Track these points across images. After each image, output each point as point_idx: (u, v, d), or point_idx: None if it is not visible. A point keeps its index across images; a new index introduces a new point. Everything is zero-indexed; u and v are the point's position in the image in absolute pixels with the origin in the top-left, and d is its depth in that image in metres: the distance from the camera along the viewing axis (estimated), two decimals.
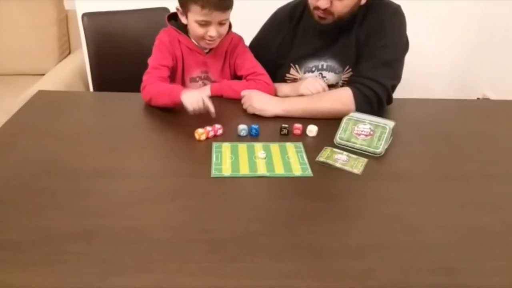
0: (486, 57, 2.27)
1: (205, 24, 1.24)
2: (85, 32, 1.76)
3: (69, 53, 2.50)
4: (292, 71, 1.41)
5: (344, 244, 0.80)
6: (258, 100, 1.26)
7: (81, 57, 2.26)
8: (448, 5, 2.24)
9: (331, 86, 1.38)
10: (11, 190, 0.92)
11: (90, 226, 0.81)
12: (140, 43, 1.79)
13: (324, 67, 1.38)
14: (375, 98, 1.23)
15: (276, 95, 1.35)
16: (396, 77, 1.28)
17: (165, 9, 1.82)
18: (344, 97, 1.23)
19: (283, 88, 1.38)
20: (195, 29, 1.27)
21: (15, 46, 2.32)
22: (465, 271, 0.74)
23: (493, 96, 2.16)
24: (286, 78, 1.43)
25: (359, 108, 1.21)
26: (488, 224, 0.86)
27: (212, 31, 1.25)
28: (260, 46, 1.44)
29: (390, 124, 1.12)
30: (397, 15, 1.30)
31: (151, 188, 0.94)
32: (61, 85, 2.00)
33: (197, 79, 1.40)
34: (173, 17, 1.36)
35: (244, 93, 1.31)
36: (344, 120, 1.14)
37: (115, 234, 0.80)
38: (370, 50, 1.27)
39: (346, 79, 1.37)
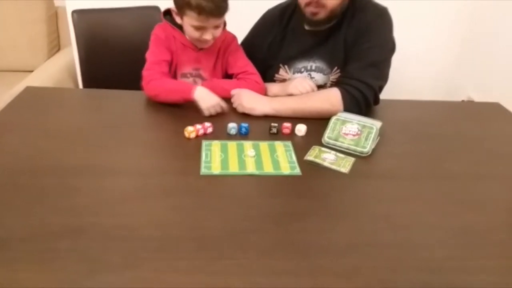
0: (471, 60, 2.31)
1: (200, 28, 1.25)
2: (74, 29, 1.75)
3: (58, 50, 2.47)
4: (281, 71, 1.42)
5: (332, 242, 0.81)
6: (248, 99, 1.27)
7: (71, 54, 2.24)
8: (434, 8, 2.27)
9: (319, 87, 1.39)
10: None
11: (78, 223, 0.81)
12: (130, 41, 1.78)
13: (313, 68, 1.39)
14: (362, 99, 1.24)
15: (266, 94, 1.36)
16: (383, 78, 1.30)
17: (155, 8, 1.82)
18: (333, 97, 1.25)
19: (273, 87, 1.39)
20: (190, 32, 1.28)
21: (4, 42, 2.29)
22: (451, 269, 0.76)
23: (477, 98, 2.19)
24: (275, 78, 1.44)
25: (347, 109, 1.23)
26: (473, 223, 0.88)
27: (208, 35, 1.26)
28: (250, 46, 1.45)
29: (377, 124, 1.14)
30: (384, 16, 1.31)
31: (140, 185, 0.94)
32: (50, 82, 1.99)
33: (188, 75, 1.40)
34: (168, 12, 1.36)
35: (234, 92, 1.32)
36: (332, 120, 1.16)
37: (103, 231, 0.79)
38: (357, 51, 1.29)
39: (334, 80, 1.38)
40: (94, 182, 0.94)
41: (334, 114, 1.19)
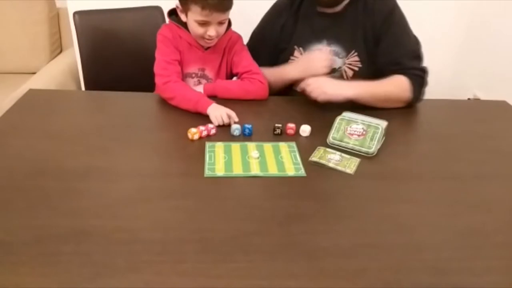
0: (476, 57, 2.29)
1: (204, 24, 1.25)
2: (76, 31, 1.74)
3: (61, 51, 2.47)
4: (296, 53, 1.42)
5: (337, 243, 0.80)
6: (330, 86, 1.26)
7: (73, 55, 2.24)
8: (436, 5, 2.25)
9: (334, 70, 1.39)
10: (0, 190, 0.91)
11: (81, 226, 0.81)
12: (132, 42, 1.78)
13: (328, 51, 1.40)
14: (424, 84, 1.33)
15: (283, 80, 1.39)
16: (423, 61, 1.38)
17: (157, 8, 1.82)
18: (404, 84, 1.30)
19: (290, 69, 1.39)
20: (195, 28, 1.28)
21: (6, 44, 2.29)
22: (456, 271, 0.75)
23: (483, 96, 2.18)
24: (290, 61, 1.43)
25: (415, 95, 1.31)
26: (479, 223, 0.87)
27: (212, 31, 1.26)
28: (262, 32, 1.46)
29: (382, 124, 1.13)
30: (397, 5, 1.36)
31: (143, 188, 0.94)
32: (52, 84, 1.98)
33: (193, 75, 1.40)
34: (173, 12, 1.36)
35: (311, 80, 1.28)
36: (337, 120, 1.15)
37: (106, 234, 0.79)
38: (395, 40, 1.34)
39: (350, 63, 1.38)
40: (97, 185, 0.94)
41: (404, 100, 1.31)
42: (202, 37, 1.29)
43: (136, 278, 0.70)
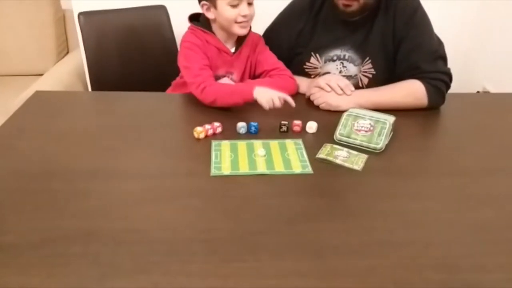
0: (485, 50, 2.26)
1: (236, 4, 1.24)
2: (81, 32, 1.75)
3: (67, 53, 2.49)
4: (313, 59, 1.41)
5: (345, 241, 0.79)
6: (332, 97, 1.27)
7: (79, 56, 2.24)
8: None
9: (349, 78, 1.38)
10: (8, 191, 0.91)
11: (88, 227, 0.81)
12: (138, 41, 1.78)
13: (346, 57, 1.38)
14: (445, 88, 1.29)
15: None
16: (447, 62, 1.35)
17: (161, 7, 1.82)
18: (417, 91, 1.27)
19: (302, 82, 1.39)
20: (227, 13, 1.26)
21: (12, 46, 2.30)
22: (467, 267, 0.74)
23: (493, 89, 2.15)
24: (305, 67, 1.43)
25: (433, 101, 1.27)
26: (489, 219, 0.86)
27: (244, 9, 1.25)
28: (278, 35, 1.44)
29: (390, 119, 1.11)
30: (420, 5, 1.33)
31: (150, 188, 0.93)
32: (59, 85, 1.99)
33: (221, 77, 1.39)
34: (194, 17, 1.35)
35: (315, 90, 1.31)
36: (344, 116, 1.14)
37: (114, 235, 0.79)
38: (414, 44, 1.30)
39: (365, 71, 1.37)
40: (104, 185, 0.94)
41: (420, 107, 1.27)
42: (236, 21, 1.27)
43: (144, 278, 0.70)
